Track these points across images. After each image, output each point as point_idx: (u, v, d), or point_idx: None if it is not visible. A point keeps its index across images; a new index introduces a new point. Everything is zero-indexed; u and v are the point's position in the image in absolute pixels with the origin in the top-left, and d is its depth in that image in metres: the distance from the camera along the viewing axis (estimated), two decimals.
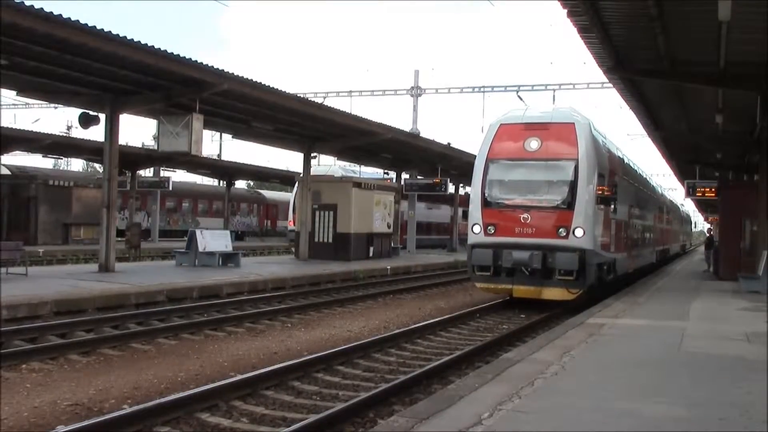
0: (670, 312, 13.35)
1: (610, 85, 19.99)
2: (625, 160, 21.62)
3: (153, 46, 15.22)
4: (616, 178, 17.78)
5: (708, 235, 42.57)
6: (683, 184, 32.81)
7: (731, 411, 6.10)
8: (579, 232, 14.77)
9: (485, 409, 5.93)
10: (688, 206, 61.82)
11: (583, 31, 13.96)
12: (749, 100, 18.10)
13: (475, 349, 10.85)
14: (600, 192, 15.50)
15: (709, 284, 21.06)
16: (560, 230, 14.87)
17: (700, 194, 30.48)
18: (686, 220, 61.13)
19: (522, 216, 15.17)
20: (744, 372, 7.84)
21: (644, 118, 23.55)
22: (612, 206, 16.76)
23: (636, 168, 24.97)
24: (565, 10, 12.87)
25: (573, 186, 15.05)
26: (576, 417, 5.84)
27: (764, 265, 17.87)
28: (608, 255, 16.58)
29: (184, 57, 16.16)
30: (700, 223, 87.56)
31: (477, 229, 15.69)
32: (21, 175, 35.03)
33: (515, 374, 7.43)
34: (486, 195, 15.74)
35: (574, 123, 15.51)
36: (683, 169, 37.36)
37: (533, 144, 15.54)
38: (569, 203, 15.01)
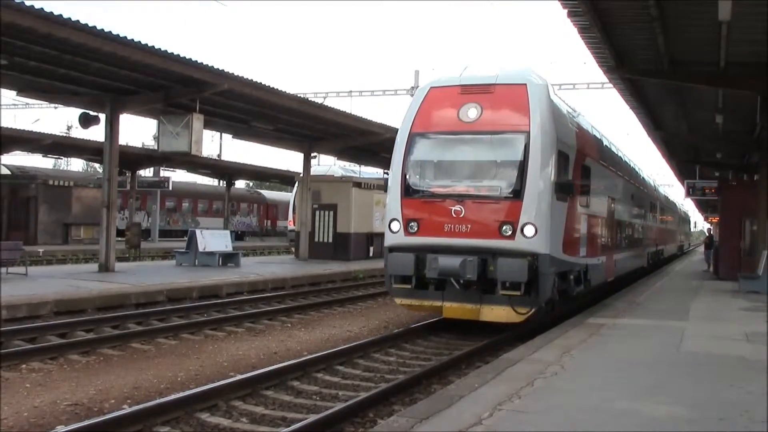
0: (669, 312, 13.35)
1: (610, 85, 19.98)
2: (605, 142, 17.78)
3: (153, 46, 15.23)
4: (589, 161, 14.28)
5: (708, 234, 42.57)
6: (683, 184, 32.87)
7: (731, 411, 6.11)
8: (529, 231, 11.18)
9: (485, 409, 5.93)
10: (688, 204, 60.89)
11: (583, 31, 13.96)
12: (749, 100, 18.11)
13: (475, 349, 10.84)
14: (561, 177, 12.05)
15: (709, 284, 21.05)
16: (504, 228, 11.27)
17: (700, 194, 30.54)
18: (684, 218, 59.13)
19: (453, 209, 11.56)
20: (744, 372, 7.84)
21: (644, 118, 23.55)
22: (581, 197, 13.51)
23: (621, 155, 20.95)
24: (565, 11, 12.89)
25: (522, 168, 11.43)
26: (576, 417, 5.85)
27: (764, 265, 17.89)
28: (575, 260, 13.09)
29: (184, 57, 16.16)
30: (700, 223, 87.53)
31: (395, 226, 12.06)
32: (21, 175, 35.07)
33: (515, 374, 7.43)
34: (407, 181, 12.16)
35: (525, 84, 11.86)
36: (683, 169, 37.39)
37: (471, 112, 11.92)
38: (517, 191, 11.38)
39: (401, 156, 12.31)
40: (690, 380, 7.40)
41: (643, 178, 26.73)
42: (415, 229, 11.85)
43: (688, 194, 31.69)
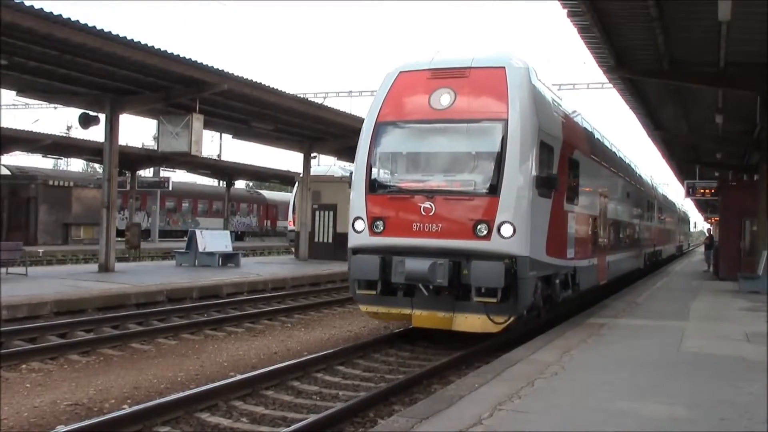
0: (670, 312, 13.35)
1: (610, 85, 20.01)
2: (597, 136, 16.54)
3: (153, 46, 15.24)
4: (577, 154, 13.10)
5: (708, 235, 42.50)
6: (683, 184, 32.89)
7: (731, 411, 6.11)
8: (507, 230, 10.05)
9: (485, 409, 5.93)
10: (688, 204, 60.30)
11: (583, 31, 13.98)
12: (749, 100, 18.13)
13: (475, 349, 10.83)
14: (544, 171, 10.83)
15: (709, 284, 21.06)
16: (479, 227, 10.13)
17: (700, 194, 30.57)
18: (684, 218, 58.12)
19: (423, 206, 10.42)
20: (744, 372, 7.84)
21: (644, 118, 23.57)
22: (569, 193, 12.38)
23: (615, 150, 19.68)
24: (565, 11, 12.91)
25: (500, 160, 10.27)
26: (576, 417, 5.85)
27: (764, 265, 17.90)
28: (561, 263, 11.97)
29: (184, 57, 16.18)
30: (700, 223, 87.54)
31: (360, 225, 10.94)
32: (21, 175, 35.08)
33: (515, 374, 7.43)
34: (372, 175, 11.07)
35: (504, 67, 10.70)
36: (683, 169, 37.41)
37: (444, 99, 10.78)
38: (493, 186, 10.25)
39: (366, 148, 11.17)
40: (690, 380, 7.40)
41: (639, 175, 25.51)
42: (381, 228, 10.73)
43: (688, 194, 31.71)
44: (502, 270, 9.84)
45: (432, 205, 10.40)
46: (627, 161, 22.25)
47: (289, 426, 6.70)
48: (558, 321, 12.06)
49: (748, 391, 6.87)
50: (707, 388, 7.06)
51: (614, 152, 19.29)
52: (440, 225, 10.33)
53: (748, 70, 15.70)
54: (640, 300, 15.56)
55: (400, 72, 11.39)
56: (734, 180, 33.08)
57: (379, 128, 11.19)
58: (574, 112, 14.26)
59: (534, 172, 10.41)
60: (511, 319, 10.34)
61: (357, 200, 11.09)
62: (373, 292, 10.69)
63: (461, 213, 10.37)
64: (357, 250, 10.92)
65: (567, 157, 12.21)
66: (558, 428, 5.56)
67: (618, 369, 7.89)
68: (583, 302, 14.88)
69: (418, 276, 10.10)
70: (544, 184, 10.65)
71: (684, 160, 33.99)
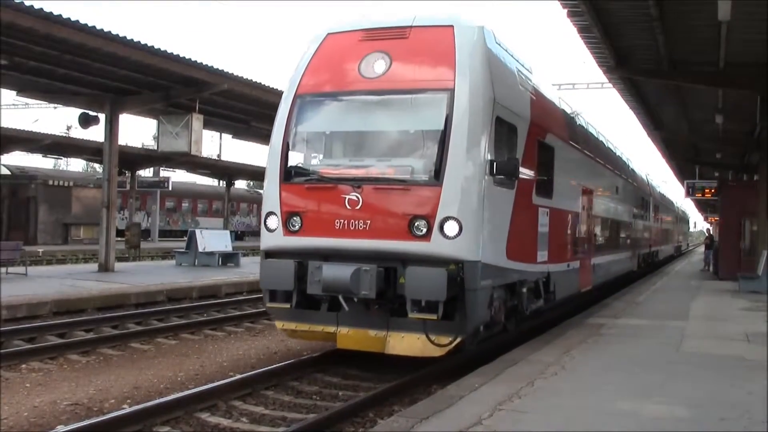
0: (669, 312, 13.34)
1: (610, 85, 20.01)
2: (579, 121, 14.30)
3: (153, 47, 15.26)
4: (552, 138, 11.07)
5: (708, 235, 42.42)
6: (683, 184, 32.89)
7: (731, 411, 6.10)
8: (451, 229, 8.06)
9: (485, 409, 5.93)
10: (687, 204, 59.41)
11: (583, 31, 14.00)
12: (749, 100, 18.13)
13: (475, 351, 10.80)
14: (503, 155, 8.78)
15: (709, 284, 21.06)
16: (416, 224, 8.16)
17: (700, 194, 30.56)
18: (682, 217, 56.31)
19: (348, 197, 8.43)
20: (744, 372, 7.84)
21: (644, 118, 23.59)
22: (539, 184, 10.37)
23: (603, 139, 17.36)
24: (565, 11, 12.92)
25: (443, 140, 8.28)
26: (576, 417, 5.84)
27: (764, 265, 17.90)
28: (528, 268, 9.95)
29: (184, 57, 16.20)
30: (700, 223, 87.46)
31: (272, 222, 8.94)
32: (21, 174, 35.10)
33: (515, 374, 7.43)
34: (289, 160, 9.07)
35: (452, 26, 8.73)
36: (683, 169, 37.42)
37: (377, 65, 8.80)
38: (435, 173, 8.26)
39: (282, 127, 9.14)
40: (690, 380, 7.40)
41: (633, 170, 23.13)
42: (298, 226, 8.73)
43: (688, 194, 31.70)
44: (444, 278, 7.87)
45: (359, 196, 8.41)
46: (618, 153, 20.18)
47: (289, 426, 6.71)
48: (557, 321, 12.01)
49: (748, 391, 6.87)
50: (707, 388, 7.06)
51: (602, 141, 17.10)
52: (369, 222, 8.39)
53: (748, 70, 15.71)
54: (640, 300, 15.56)
55: (329, 34, 9.40)
56: (734, 180, 33.08)
57: (299, 102, 9.20)
58: (536, 78, 11.50)
59: (488, 156, 8.39)
60: (458, 340, 8.28)
61: (270, 191, 9.11)
62: (288, 306, 8.77)
63: (395, 207, 8.36)
64: (270, 254, 8.98)
65: (536, 139, 10.21)
66: (558, 428, 5.56)
67: (618, 369, 7.89)
68: (583, 302, 14.72)
69: (338, 286, 8.18)
70: (503, 171, 8.55)
71: (684, 160, 34.00)
